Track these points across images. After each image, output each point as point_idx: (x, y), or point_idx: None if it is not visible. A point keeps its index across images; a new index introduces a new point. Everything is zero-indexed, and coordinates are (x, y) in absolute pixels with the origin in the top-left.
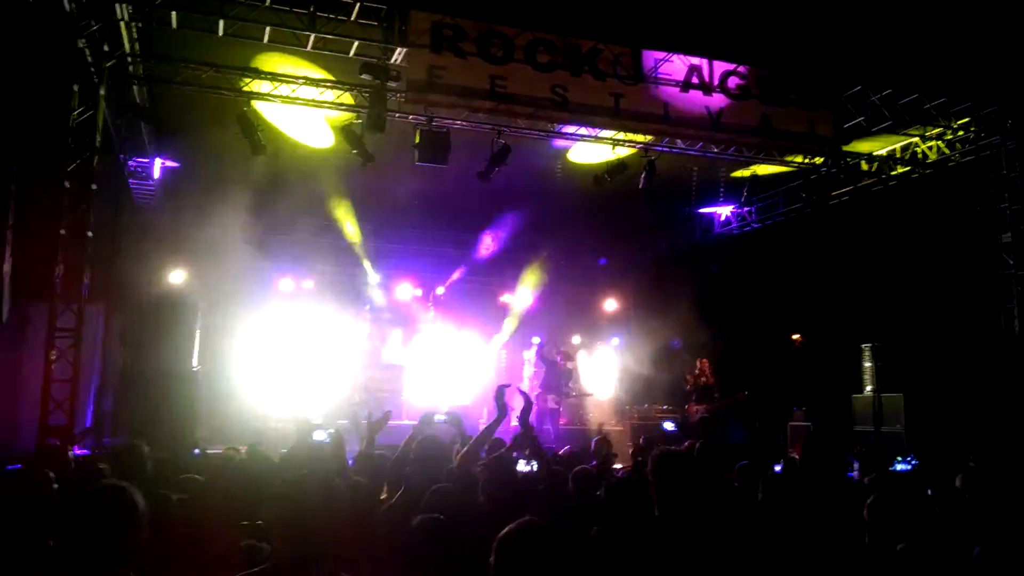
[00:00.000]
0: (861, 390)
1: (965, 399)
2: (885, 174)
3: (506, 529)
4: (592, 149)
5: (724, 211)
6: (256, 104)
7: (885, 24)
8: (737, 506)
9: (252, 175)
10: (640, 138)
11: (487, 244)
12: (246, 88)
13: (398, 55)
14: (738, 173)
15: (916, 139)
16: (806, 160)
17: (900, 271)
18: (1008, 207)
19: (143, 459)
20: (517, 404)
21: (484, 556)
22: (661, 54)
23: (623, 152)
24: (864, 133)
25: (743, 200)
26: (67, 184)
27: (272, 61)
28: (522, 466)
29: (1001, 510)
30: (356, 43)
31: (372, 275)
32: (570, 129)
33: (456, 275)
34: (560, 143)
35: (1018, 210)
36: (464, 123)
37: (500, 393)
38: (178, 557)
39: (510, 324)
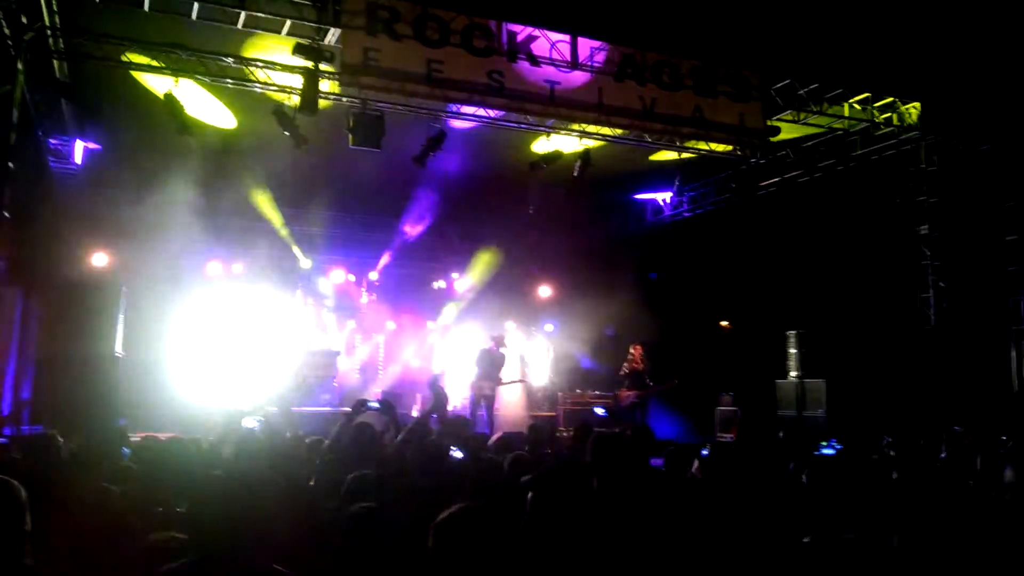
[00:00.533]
0: (785, 376)
1: (884, 385)
2: (811, 165)
3: (443, 514)
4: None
5: (661, 196)
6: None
7: (812, 19)
8: (667, 488)
9: (178, 156)
10: (575, 126)
11: (412, 228)
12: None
13: (332, 36)
14: (660, 156)
15: (840, 131)
16: (736, 150)
17: (825, 261)
18: (926, 200)
19: (58, 448)
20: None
21: (413, 543)
22: (597, 43)
23: (563, 141)
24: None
25: (677, 188)
26: None
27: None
28: (455, 453)
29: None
30: (289, 23)
31: (303, 259)
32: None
33: (387, 260)
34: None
35: (936, 203)
36: (400, 106)
37: (434, 380)
38: (86, 549)
39: (446, 309)
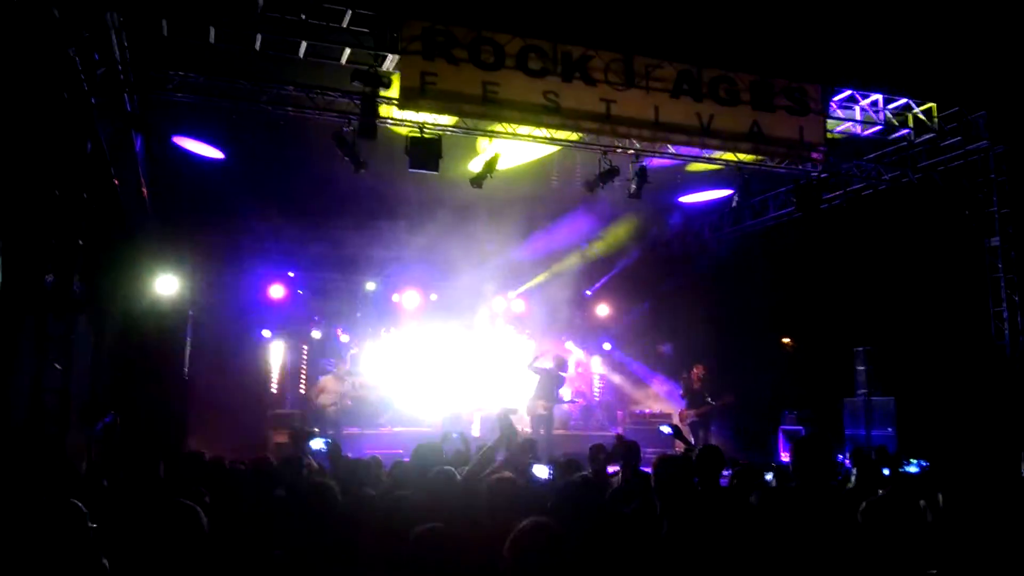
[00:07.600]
0: (852, 393)
1: (956, 402)
2: (876, 178)
3: (519, 527)
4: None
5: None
6: None
7: (873, 29)
8: (731, 512)
9: (239, 183)
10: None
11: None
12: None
13: (390, 63)
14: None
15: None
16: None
17: (891, 275)
18: (996, 211)
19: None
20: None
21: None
22: (652, 60)
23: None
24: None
25: (735, 203)
26: (57, 192)
27: None
28: (539, 471)
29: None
30: (348, 51)
31: (367, 281)
32: (561, 135)
33: (451, 282)
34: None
35: (1006, 214)
36: (454, 130)
37: (505, 415)
38: None
39: (507, 330)
